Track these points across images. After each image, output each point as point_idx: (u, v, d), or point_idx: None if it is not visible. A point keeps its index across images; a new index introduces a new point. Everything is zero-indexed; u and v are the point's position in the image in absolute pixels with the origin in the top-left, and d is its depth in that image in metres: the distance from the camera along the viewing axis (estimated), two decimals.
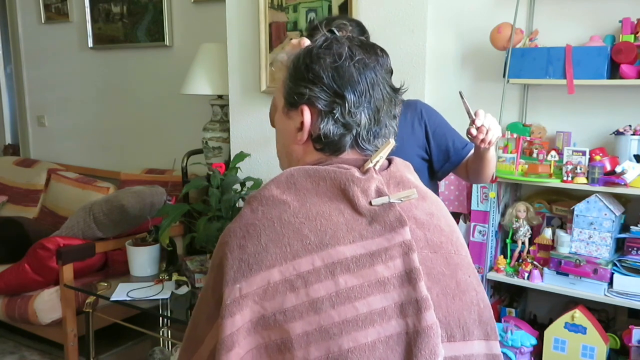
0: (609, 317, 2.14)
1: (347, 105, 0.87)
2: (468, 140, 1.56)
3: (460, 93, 1.43)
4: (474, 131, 1.43)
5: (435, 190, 1.81)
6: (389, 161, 0.94)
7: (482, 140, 1.45)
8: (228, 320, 0.77)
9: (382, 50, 0.94)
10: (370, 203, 0.84)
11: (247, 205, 0.86)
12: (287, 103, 0.93)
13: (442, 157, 1.71)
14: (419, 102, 1.77)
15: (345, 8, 2.35)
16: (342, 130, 0.89)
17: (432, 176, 1.75)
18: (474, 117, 1.43)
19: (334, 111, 0.88)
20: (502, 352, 0.94)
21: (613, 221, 1.94)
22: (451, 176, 2.05)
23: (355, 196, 0.83)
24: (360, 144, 0.90)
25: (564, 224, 2.14)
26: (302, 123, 0.90)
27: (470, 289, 0.89)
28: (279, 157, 1.02)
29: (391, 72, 0.94)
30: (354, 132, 0.89)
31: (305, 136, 0.91)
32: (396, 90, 0.94)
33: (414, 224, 0.86)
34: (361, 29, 1.69)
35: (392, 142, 0.90)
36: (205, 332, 0.83)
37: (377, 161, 0.88)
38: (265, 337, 0.78)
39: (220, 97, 2.93)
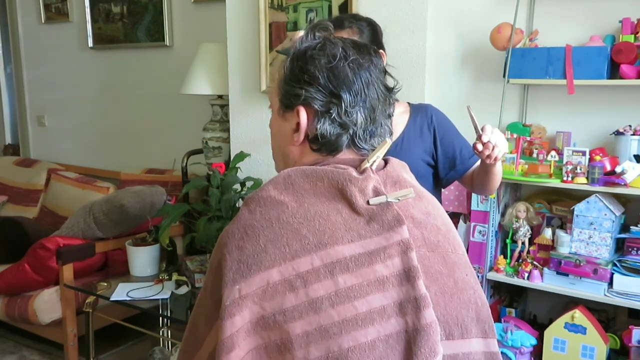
0: (609, 317, 2.14)
1: (343, 104, 0.88)
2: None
3: (468, 108, 1.42)
4: (479, 147, 1.42)
5: (439, 198, 1.78)
6: (385, 161, 0.94)
7: (488, 156, 1.44)
8: (227, 321, 0.77)
9: (375, 50, 0.94)
10: (367, 202, 0.84)
11: (245, 206, 0.86)
12: (283, 105, 0.94)
13: (448, 165, 1.69)
14: (430, 107, 1.74)
15: (345, 8, 2.35)
16: (339, 130, 0.89)
17: (437, 183, 1.73)
18: (480, 132, 1.41)
19: (331, 111, 0.88)
20: (502, 352, 0.95)
21: (613, 221, 1.94)
22: None
23: (352, 196, 0.83)
24: (357, 143, 0.90)
25: (564, 224, 2.14)
26: (298, 124, 0.91)
27: (468, 287, 0.89)
28: (275, 160, 1.02)
29: (384, 72, 0.95)
30: (351, 131, 0.89)
31: (301, 137, 0.91)
32: (390, 90, 0.94)
33: (411, 222, 0.86)
34: (373, 27, 1.65)
35: (388, 142, 0.90)
36: (204, 334, 0.83)
37: (374, 161, 0.88)
38: (265, 338, 0.78)
39: (220, 97, 2.93)
